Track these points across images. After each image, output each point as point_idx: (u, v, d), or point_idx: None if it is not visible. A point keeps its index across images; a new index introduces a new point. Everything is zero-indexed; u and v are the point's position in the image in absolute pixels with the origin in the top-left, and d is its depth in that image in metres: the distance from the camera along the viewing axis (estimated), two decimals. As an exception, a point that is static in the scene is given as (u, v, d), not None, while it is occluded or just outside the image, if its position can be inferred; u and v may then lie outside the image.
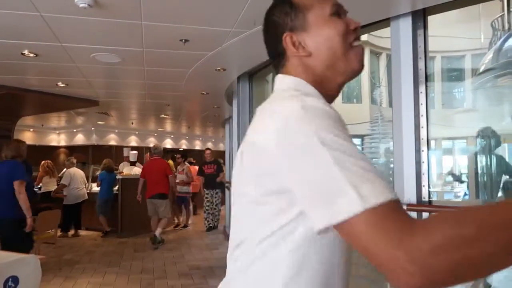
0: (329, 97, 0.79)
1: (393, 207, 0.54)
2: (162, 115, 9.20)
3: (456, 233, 0.48)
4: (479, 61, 4.71)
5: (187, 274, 4.89)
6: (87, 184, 7.63)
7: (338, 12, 0.78)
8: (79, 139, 11.81)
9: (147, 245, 6.51)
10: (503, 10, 4.33)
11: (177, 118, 10.10)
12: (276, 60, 0.83)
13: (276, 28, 0.81)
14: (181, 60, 4.13)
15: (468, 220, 0.49)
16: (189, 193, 8.31)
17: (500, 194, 3.99)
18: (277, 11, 0.82)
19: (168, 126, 12.13)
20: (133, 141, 12.86)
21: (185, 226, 8.33)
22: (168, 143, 14.31)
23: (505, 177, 4.08)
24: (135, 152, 8.94)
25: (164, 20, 3.01)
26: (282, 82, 0.80)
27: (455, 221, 0.49)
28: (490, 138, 4.07)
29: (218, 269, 5.11)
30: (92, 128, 11.36)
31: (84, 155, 11.35)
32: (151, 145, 13.31)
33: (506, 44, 3.94)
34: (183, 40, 3.44)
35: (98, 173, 7.69)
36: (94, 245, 6.56)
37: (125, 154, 8.82)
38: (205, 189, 7.75)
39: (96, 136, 11.55)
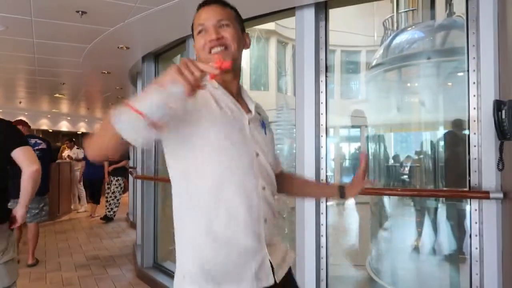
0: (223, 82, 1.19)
1: None
2: (57, 95, 8.35)
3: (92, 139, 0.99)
4: (372, 57, 5.16)
5: (85, 265, 4.58)
6: None
7: (200, 31, 1.15)
8: (-49, 118, 10.12)
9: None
10: (393, 11, 4.79)
11: (75, 99, 9.27)
12: None
13: None
14: (78, 34, 3.76)
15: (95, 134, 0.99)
16: None
17: (385, 175, 4.46)
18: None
19: (65, 107, 11.07)
20: (21, 122, 11.48)
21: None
22: (64, 126, 13.11)
23: (389, 162, 4.58)
24: None
25: (56, -14, 2.70)
26: None
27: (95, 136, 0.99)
28: (379, 128, 4.51)
29: (119, 258, 4.88)
30: (-31, 107, 9.87)
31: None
32: (44, 127, 12.13)
33: (394, 42, 4.38)
34: (80, 12, 3.12)
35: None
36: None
37: None
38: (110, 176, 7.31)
39: (-26, 116, 10.05)
